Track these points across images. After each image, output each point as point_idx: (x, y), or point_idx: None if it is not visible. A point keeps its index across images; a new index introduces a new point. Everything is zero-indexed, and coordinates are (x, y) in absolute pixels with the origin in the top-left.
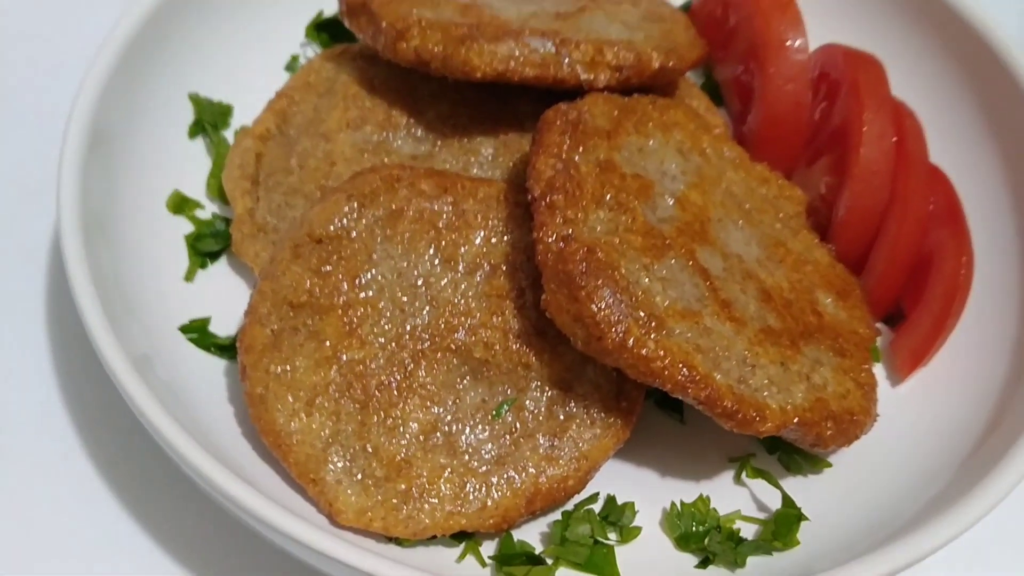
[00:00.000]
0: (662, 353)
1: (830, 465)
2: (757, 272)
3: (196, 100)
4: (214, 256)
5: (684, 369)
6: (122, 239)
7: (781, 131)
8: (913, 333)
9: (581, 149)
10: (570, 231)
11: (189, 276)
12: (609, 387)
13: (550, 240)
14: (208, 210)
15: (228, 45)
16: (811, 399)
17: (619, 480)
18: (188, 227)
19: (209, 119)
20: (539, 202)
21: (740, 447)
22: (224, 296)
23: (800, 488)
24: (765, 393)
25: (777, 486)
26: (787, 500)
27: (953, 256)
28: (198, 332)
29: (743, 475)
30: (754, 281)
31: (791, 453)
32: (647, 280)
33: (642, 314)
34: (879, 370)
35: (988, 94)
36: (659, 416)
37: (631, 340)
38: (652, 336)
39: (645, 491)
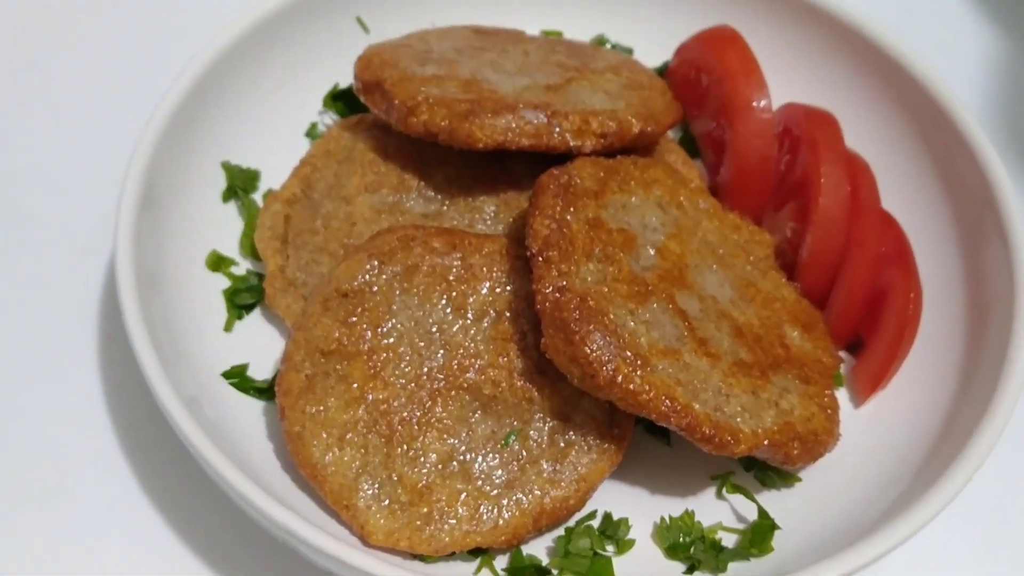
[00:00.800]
0: (647, 387)
1: (800, 480)
2: (730, 311)
3: (228, 167)
4: (249, 308)
5: (667, 401)
6: (169, 293)
7: (750, 181)
8: (871, 360)
9: (572, 209)
10: (564, 283)
11: (228, 327)
12: (603, 417)
13: (547, 291)
14: (242, 267)
15: (254, 115)
16: (779, 422)
17: (615, 498)
18: (225, 283)
19: (240, 184)
20: (537, 257)
21: (720, 466)
22: (259, 344)
23: (774, 501)
24: (739, 419)
25: (753, 500)
26: (762, 512)
27: (903, 292)
28: (239, 377)
29: (723, 491)
30: (728, 320)
31: (765, 470)
32: (632, 323)
33: (629, 354)
34: (842, 394)
35: (933, 144)
36: (648, 440)
37: (620, 377)
38: (638, 373)
39: (637, 507)
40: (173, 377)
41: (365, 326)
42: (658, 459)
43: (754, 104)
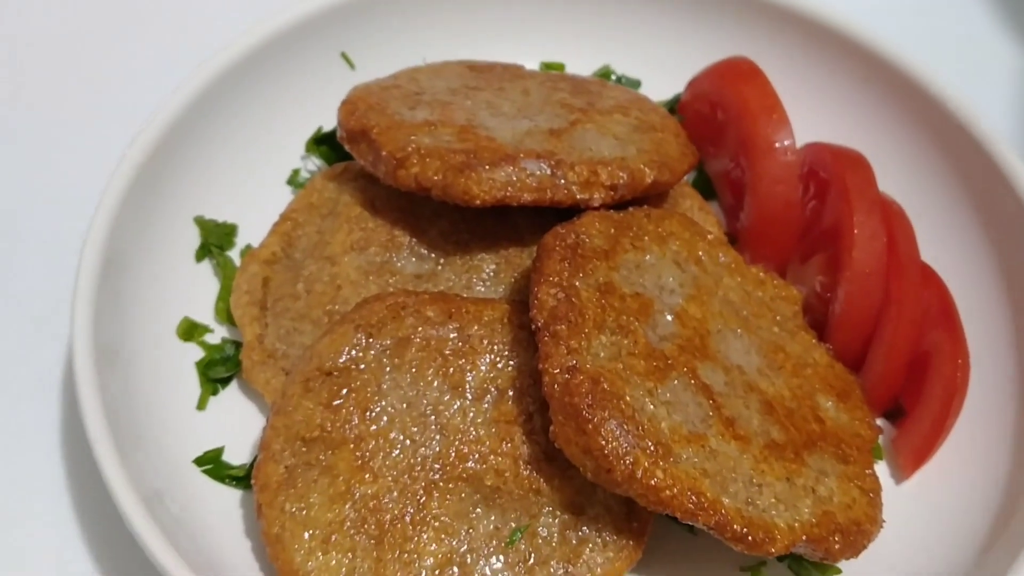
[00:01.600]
0: (671, 482)
1: (839, 571)
2: (758, 383)
3: (201, 223)
4: (225, 382)
5: (693, 496)
6: (135, 367)
7: (773, 229)
8: (914, 432)
9: (581, 274)
10: (574, 361)
11: (201, 404)
12: (620, 509)
13: (555, 372)
14: (218, 335)
15: (230, 163)
16: (818, 513)
17: None
18: (199, 353)
19: (215, 241)
20: (543, 332)
21: (750, 557)
22: (237, 422)
23: None
24: (773, 512)
25: None
26: None
27: (950, 357)
28: (212, 463)
29: None
30: (756, 393)
31: (800, 561)
32: (652, 406)
33: (649, 443)
34: (882, 468)
35: (974, 186)
36: (669, 527)
37: (640, 471)
38: (660, 465)
39: None
40: (133, 466)
41: (352, 409)
42: (681, 550)
43: (776, 145)
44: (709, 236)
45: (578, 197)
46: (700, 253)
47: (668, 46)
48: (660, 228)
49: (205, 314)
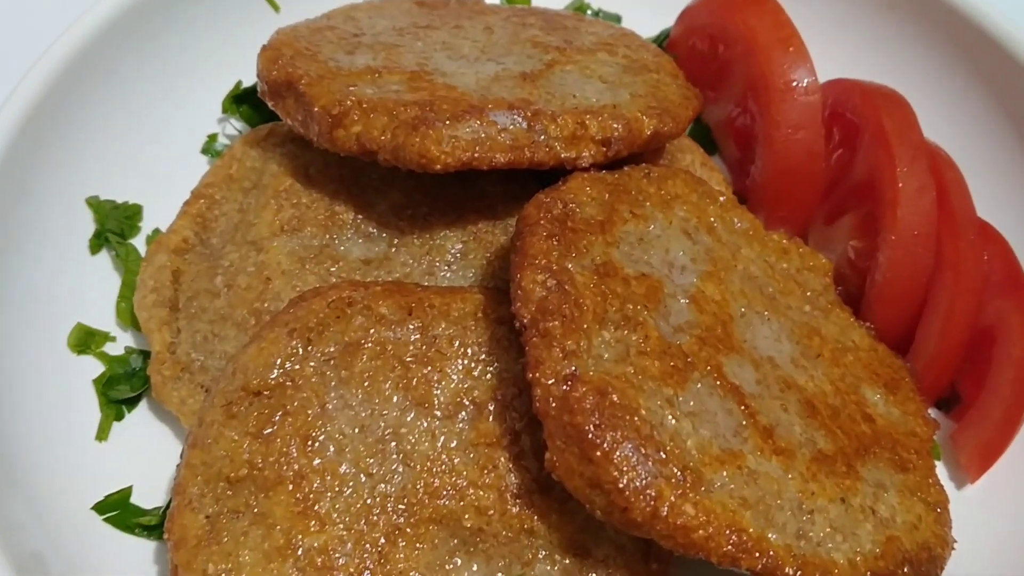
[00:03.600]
0: (704, 519)
1: None
2: (795, 377)
3: (96, 205)
4: (131, 403)
5: (732, 536)
6: (14, 391)
7: (792, 185)
8: (981, 425)
9: (573, 254)
10: (573, 367)
11: (102, 434)
12: (634, 547)
13: (550, 383)
14: (120, 343)
15: (129, 131)
16: (881, 540)
17: None
18: (96, 368)
19: (113, 227)
20: (530, 331)
21: None
22: (148, 453)
23: None
24: (829, 544)
25: None
26: None
27: (1022, 333)
28: (117, 509)
29: None
30: (794, 391)
31: None
32: (673, 420)
33: (675, 469)
34: (939, 469)
35: None
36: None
37: (664, 507)
38: (690, 497)
39: None
40: (4, 526)
41: (288, 439)
42: None
43: (795, 83)
44: (721, 198)
45: (563, 156)
46: (712, 219)
47: None
48: (663, 190)
49: (104, 319)
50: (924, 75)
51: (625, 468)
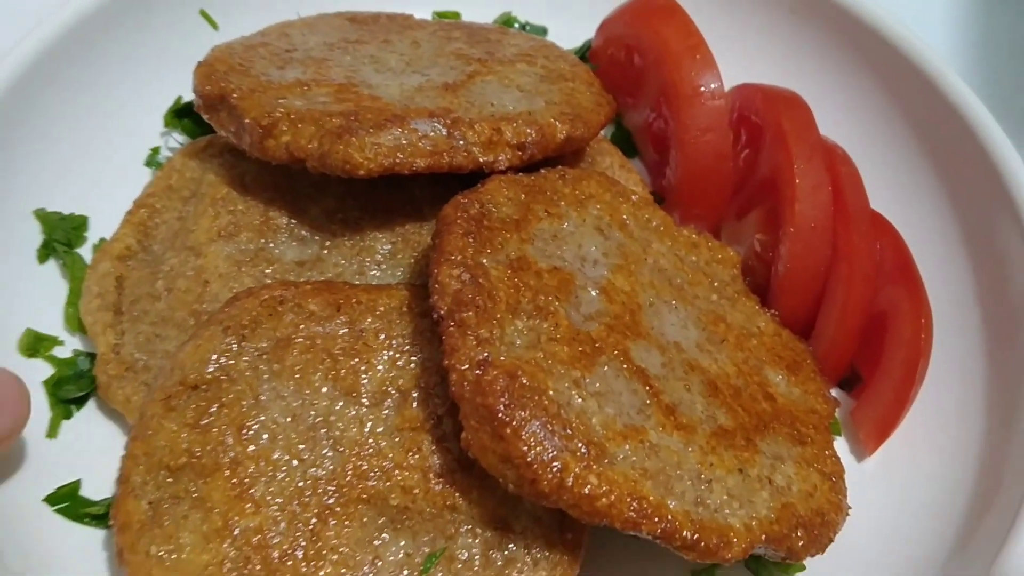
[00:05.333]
0: (607, 488)
1: (803, 568)
2: (699, 360)
3: (43, 217)
4: (80, 402)
5: (633, 503)
6: None
7: (704, 184)
8: (875, 402)
9: (488, 250)
10: (486, 354)
11: (52, 431)
12: (551, 519)
13: (464, 368)
14: (69, 347)
15: (75, 145)
16: (776, 507)
17: None
18: (47, 370)
19: (60, 237)
20: (447, 322)
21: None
22: (96, 450)
23: None
24: (727, 511)
25: None
26: None
27: (910, 316)
28: (67, 500)
29: None
30: (698, 373)
31: (759, 559)
32: (580, 399)
33: (579, 444)
34: (841, 444)
35: (924, 126)
36: (610, 532)
37: (570, 478)
38: (593, 469)
39: None
40: None
41: (224, 428)
42: (624, 556)
43: (702, 88)
44: (633, 197)
45: (481, 160)
46: (624, 216)
47: None
48: (577, 190)
49: (53, 324)
50: (824, 77)
51: (533, 443)
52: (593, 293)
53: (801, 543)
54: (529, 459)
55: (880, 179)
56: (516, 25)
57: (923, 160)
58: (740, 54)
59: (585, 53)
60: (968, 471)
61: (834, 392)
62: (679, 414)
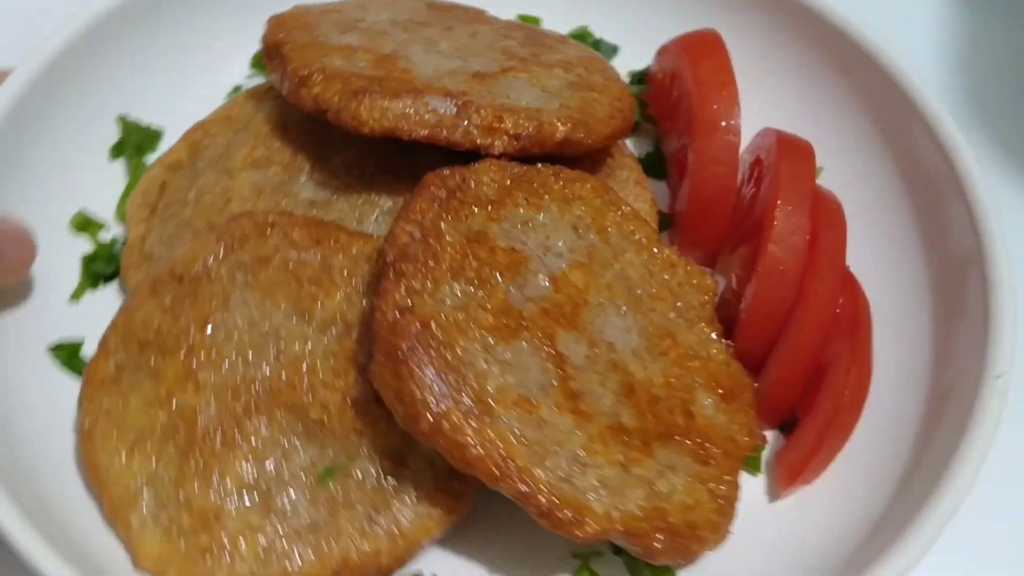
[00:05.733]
0: (479, 441)
1: (672, 572)
2: (627, 364)
3: (124, 122)
4: (107, 279)
5: (500, 461)
6: None
7: (706, 213)
8: (795, 447)
9: (449, 217)
10: (410, 302)
11: (76, 295)
12: (444, 466)
13: (387, 310)
14: (111, 233)
15: (170, 68)
16: (647, 507)
17: (449, 565)
18: (88, 248)
19: (135, 142)
20: (387, 269)
21: (587, 544)
22: (106, 320)
23: None
24: (591, 495)
25: None
26: None
27: (845, 370)
28: (67, 352)
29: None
30: (620, 373)
31: (635, 560)
32: (484, 363)
33: (466, 398)
34: (760, 482)
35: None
36: (504, 499)
37: (446, 424)
38: (471, 422)
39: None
40: None
41: (192, 318)
42: (513, 523)
43: (720, 123)
44: (625, 208)
45: (478, 142)
46: (608, 223)
47: (652, 15)
48: (567, 190)
49: (104, 212)
50: (864, 134)
51: (423, 386)
52: (542, 280)
53: (660, 546)
54: (416, 399)
55: (873, 239)
56: (590, 40)
57: (911, 226)
58: (780, 98)
59: (644, 76)
60: (860, 529)
61: (773, 434)
62: (582, 402)
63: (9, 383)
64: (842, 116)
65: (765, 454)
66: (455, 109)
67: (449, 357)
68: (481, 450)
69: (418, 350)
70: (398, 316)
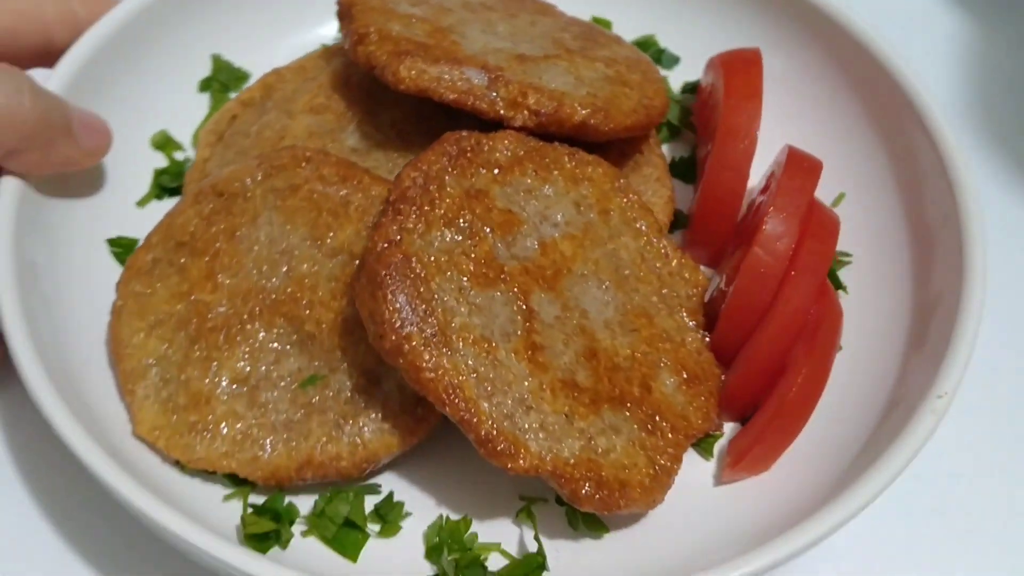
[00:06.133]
0: (434, 366)
1: (607, 531)
2: (596, 332)
3: (217, 60)
4: (171, 193)
5: (450, 389)
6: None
7: (712, 214)
8: (742, 437)
9: (455, 172)
10: (399, 238)
11: (142, 202)
12: (412, 392)
13: (376, 242)
14: (187, 154)
15: (267, 23)
16: (581, 457)
17: (407, 484)
18: (163, 164)
19: (223, 79)
20: (387, 207)
21: (534, 490)
22: None
23: (565, 547)
24: (529, 435)
25: (536, 533)
26: (540, 549)
27: (795, 372)
28: (123, 248)
29: (519, 516)
30: (586, 338)
31: (575, 511)
32: (454, 302)
33: (429, 329)
34: (710, 467)
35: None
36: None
37: (406, 347)
38: (429, 350)
39: (428, 501)
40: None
41: (222, 228)
42: (468, 459)
43: (740, 131)
44: (632, 196)
45: (501, 113)
46: (612, 207)
47: (724, 35)
48: (578, 170)
49: (183, 136)
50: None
51: (393, 310)
52: (531, 243)
53: (585, 493)
54: (385, 319)
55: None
56: (653, 49)
57: (905, 257)
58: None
59: (695, 87)
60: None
61: (734, 427)
62: (540, 354)
63: (66, 263)
64: (867, 151)
65: (719, 444)
66: (486, 81)
67: (422, 290)
68: (434, 375)
69: (395, 278)
70: (385, 247)
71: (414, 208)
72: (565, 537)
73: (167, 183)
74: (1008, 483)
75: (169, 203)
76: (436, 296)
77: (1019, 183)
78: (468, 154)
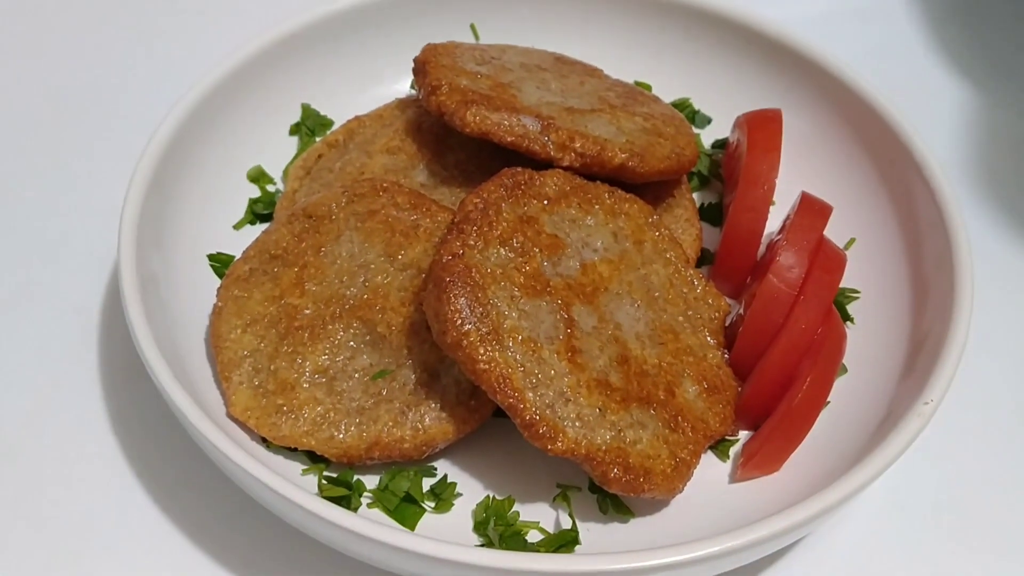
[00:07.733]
0: (487, 358)
1: (632, 515)
2: (628, 342)
3: (306, 108)
4: (263, 219)
5: (501, 377)
6: (203, 187)
7: (733, 252)
8: (752, 440)
9: (512, 200)
10: (461, 252)
11: (238, 225)
12: (467, 386)
13: (442, 256)
14: (277, 187)
15: (352, 78)
16: (612, 446)
17: (458, 469)
18: (256, 194)
19: (310, 124)
20: (452, 226)
21: (570, 478)
22: None
23: (596, 528)
24: (567, 423)
25: (570, 511)
26: (574, 525)
27: (801, 380)
28: (220, 263)
29: (556, 499)
30: (619, 346)
31: (605, 496)
32: (506, 307)
33: (485, 328)
34: (726, 468)
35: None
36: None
37: (465, 342)
38: (484, 345)
39: (476, 484)
40: (151, 250)
41: (310, 244)
42: (515, 448)
43: (759, 178)
44: (664, 231)
45: (552, 154)
46: (646, 239)
47: (753, 100)
48: (616, 205)
49: (275, 171)
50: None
51: (455, 310)
52: (574, 263)
53: (614, 475)
54: (447, 318)
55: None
56: (687, 110)
57: (907, 288)
58: (827, 174)
59: (724, 143)
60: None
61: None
62: (579, 356)
63: (176, 273)
64: (877, 200)
65: (735, 448)
66: (540, 127)
67: (479, 296)
68: (487, 367)
69: (457, 284)
70: (450, 258)
71: (475, 228)
72: (596, 520)
73: (259, 210)
74: (1008, 485)
75: (260, 227)
76: (491, 301)
77: (1016, 235)
78: (522, 186)
